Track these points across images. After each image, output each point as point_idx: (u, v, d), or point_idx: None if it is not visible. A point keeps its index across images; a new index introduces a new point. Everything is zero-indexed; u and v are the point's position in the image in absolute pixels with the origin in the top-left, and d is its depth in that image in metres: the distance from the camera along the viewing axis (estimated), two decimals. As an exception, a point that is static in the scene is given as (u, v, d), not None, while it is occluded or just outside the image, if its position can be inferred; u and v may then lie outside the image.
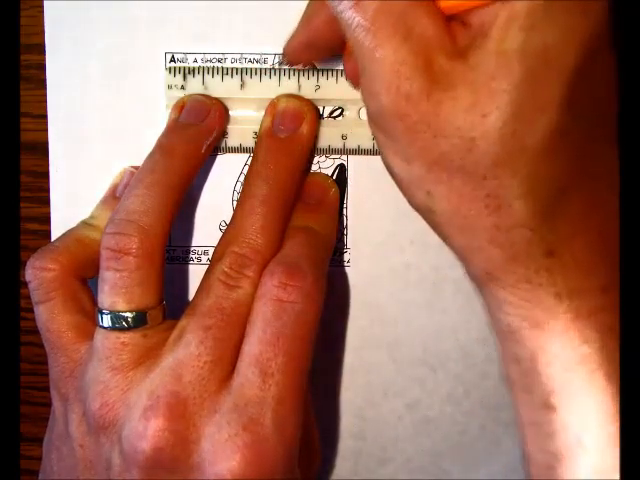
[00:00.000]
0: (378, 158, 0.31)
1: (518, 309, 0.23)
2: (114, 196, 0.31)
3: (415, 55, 0.21)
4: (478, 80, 0.21)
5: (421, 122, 0.22)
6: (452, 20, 0.22)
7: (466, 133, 0.21)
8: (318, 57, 0.27)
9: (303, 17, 0.26)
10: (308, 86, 0.30)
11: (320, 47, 0.26)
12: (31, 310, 0.29)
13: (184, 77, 0.31)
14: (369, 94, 0.23)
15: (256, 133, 0.30)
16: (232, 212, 0.31)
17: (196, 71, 0.31)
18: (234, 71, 0.30)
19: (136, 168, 0.31)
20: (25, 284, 0.29)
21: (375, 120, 0.23)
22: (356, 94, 0.30)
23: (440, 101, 0.21)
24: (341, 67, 0.30)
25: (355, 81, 0.27)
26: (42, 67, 0.31)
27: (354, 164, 0.32)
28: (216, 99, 0.30)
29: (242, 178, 0.32)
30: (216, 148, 0.31)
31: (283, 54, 0.28)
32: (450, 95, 0.21)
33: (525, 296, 0.22)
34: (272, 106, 0.30)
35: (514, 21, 0.21)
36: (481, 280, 0.23)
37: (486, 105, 0.21)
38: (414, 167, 0.23)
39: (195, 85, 0.31)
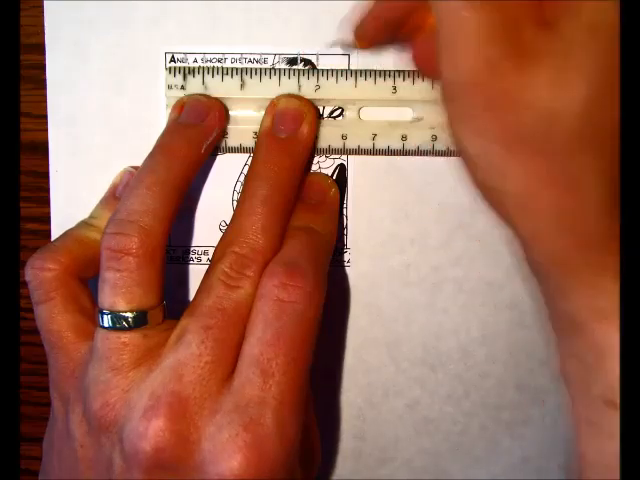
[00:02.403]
0: (378, 158, 0.31)
1: (586, 299, 0.22)
2: (114, 196, 0.31)
3: (503, 22, 0.21)
4: (567, 52, 0.21)
5: (503, 93, 0.21)
6: None
7: (549, 105, 0.21)
8: (390, 38, 0.26)
9: None
10: (308, 86, 0.30)
11: (394, 26, 0.25)
12: (31, 310, 0.29)
13: (184, 77, 0.31)
14: (448, 64, 0.22)
15: (256, 133, 0.30)
16: (232, 212, 0.31)
17: (196, 71, 0.31)
18: (234, 71, 0.30)
19: (136, 168, 0.31)
20: (25, 284, 0.29)
21: (451, 93, 0.22)
22: (356, 94, 0.30)
23: (524, 71, 0.21)
24: (341, 67, 0.30)
25: (424, 65, 0.26)
26: (42, 67, 0.31)
27: (354, 164, 0.32)
28: (216, 99, 0.30)
29: (242, 178, 0.32)
30: (216, 148, 0.31)
31: (354, 35, 0.27)
32: (535, 65, 0.21)
33: (594, 285, 0.22)
34: (272, 106, 0.30)
35: None
36: (546, 267, 0.23)
37: (573, 78, 0.20)
38: (490, 144, 0.22)
39: (195, 85, 0.31)
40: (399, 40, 0.27)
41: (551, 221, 0.22)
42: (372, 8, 0.26)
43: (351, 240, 0.32)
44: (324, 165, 0.32)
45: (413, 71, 0.30)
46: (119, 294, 0.26)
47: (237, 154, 0.31)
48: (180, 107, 0.30)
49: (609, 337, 0.22)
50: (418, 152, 0.30)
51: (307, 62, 0.31)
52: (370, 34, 0.27)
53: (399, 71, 0.30)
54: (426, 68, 0.26)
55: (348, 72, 0.30)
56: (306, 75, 0.30)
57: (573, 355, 0.23)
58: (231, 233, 0.28)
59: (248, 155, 0.31)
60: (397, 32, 0.26)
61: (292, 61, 0.31)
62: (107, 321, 0.26)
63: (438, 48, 0.22)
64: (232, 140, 0.31)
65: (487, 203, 0.24)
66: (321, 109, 0.31)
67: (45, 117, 0.32)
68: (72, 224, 0.31)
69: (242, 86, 0.30)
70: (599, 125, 0.21)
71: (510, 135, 0.21)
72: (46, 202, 0.32)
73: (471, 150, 0.23)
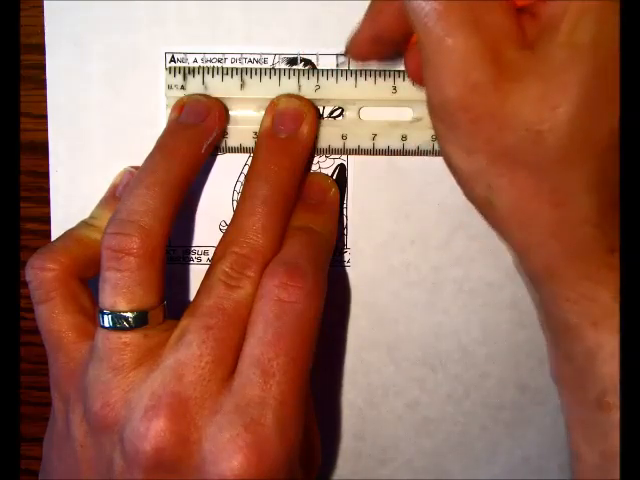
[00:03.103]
0: (378, 158, 0.31)
1: (577, 306, 0.22)
2: (114, 196, 0.31)
3: (485, 45, 0.21)
4: (548, 72, 0.21)
5: (487, 114, 0.21)
6: (521, 12, 0.22)
7: (534, 125, 0.21)
8: (382, 53, 0.27)
9: (369, 12, 0.26)
10: (308, 86, 0.30)
11: (386, 42, 0.26)
12: (31, 310, 0.29)
13: (184, 77, 0.31)
14: (433, 85, 0.22)
15: (256, 133, 0.30)
16: (232, 212, 0.31)
17: (196, 71, 0.31)
18: (234, 71, 0.30)
19: (136, 168, 0.31)
20: (25, 284, 0.29)
21: (437, 112, 0.23)
22: (356, 94, 0.30)
23: (508, 92, 0.21)
24: (341, 67, 0.30)
25: (418, 77, 0.27)
26: (42, 67, 0.31)
27: (354, 164, 0.32)
28: (216, 99, 0.30)
29: (242, 178, 0.32)
30: (216, 148, 0.31)
31: (346, 50, 0.27)
32: (519, 86, 0.21)
33: (585, 293, 0.22)
34: (272, 106, 0.30)
35: (587, 14, 0.21)
36: (539, 276, 0.23)
37: (556, 97, 0.21)
38: (476, 160, 0.22)
39: (195, 85, 0.31)
40: (391, 53, 0.27)
41: (539, 232, 0.22)
42: (360, 25, 0.26)
43: (351, 240, 0.32)
44: (324, 165, 0.32)
45: (413, 71, 0.30)
46: (120, 294, 0.26)
47: (237, 154, 0.31)
48: (180, 107, 0.30)
49: (600, 341, 0.22)
50: (418, 152, 0.30)
51: (307, 62, 0.31)
52: (362, 51, 0.27)
53: (399, 71, 0.30)
54: (419, 80, 0.27)
55: (348, 72, 0.30)
56: (306, 75, 0.30)
57: (566, 358, 0.23)
58: (231, 233, 0.28)
59: (248, 155, 0.31)
60: (388, 47, 0.26)
61: (292, 61, 0.31)
62: (108, 321, 0.26)
63: (423, 70, 0.23)
64: (232, 140, 0.31)
65: (481, 214, 0.24)
66: (321, 109, 0.31)
67: (45, 117, 0.32)
68: (72, 224, 0.31)
69: (242, 86, 0.30)
70: (586, 140, 0.21)
71: (495, 152, 0.22)
72: (46, 202, 0.32)
73: (459, 165, 0.23)
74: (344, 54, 0.30)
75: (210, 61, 0.31)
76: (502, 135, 0.22)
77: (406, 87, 0.30)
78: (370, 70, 0.30)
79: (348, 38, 0.27)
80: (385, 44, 0.26)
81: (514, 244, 0.24)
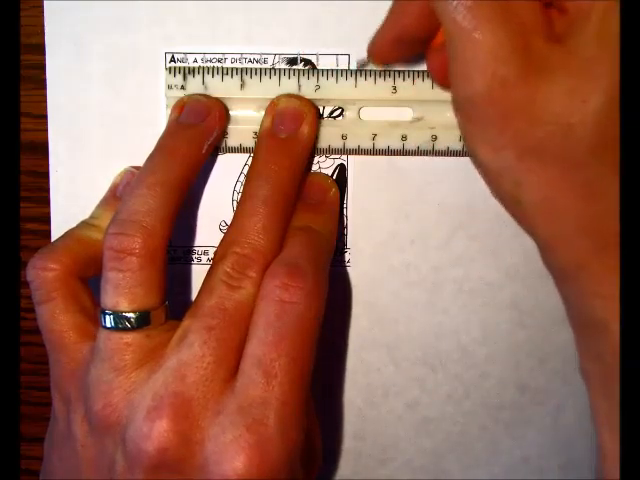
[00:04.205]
0: (378, 158, 0.31)
1: (606, 301, 0.22)
2: (115, 196, 0.31)
3: (514, 38, 0.21)
4: (577, 65, 0.21)
5: (515, 108, 0.21)
6: (549, 7, 0.22)
7: (564, 119, 0.21)
8: (404, 54, 0.27)
9: (391, 12, 0.26)
10: (308, 86, 0.30)
11: (408, 43, 0.26)
12: (31, 310, 0.29)
13: (184, 77, 0.31)
14: (461, 79, 0.22)
15: (256, 133, 0.30)
16: (232, 212, 0.31)
17: (196, 71, 0.31)
18: (234, 71, 0.30)
19: (137, 168, 0.31)
20: (25, 284, 0.29)
21: (464, 107, 0.23)
22: (356, 94, 0.30)
23: (537, 86, 0.21)
24: (341, 67, 0.30)
25: (440, 77, 0.27)
26: (42, 67, 0.31)
27: (354, 164, 0.32)
28: (216, 99, 0.30)
29: (242, 178, 0.32)
30: (216, 148, 0.31)
31: (368, 52, 0.27)
32: (548, 80, 0.21)
33: (614, 288, 0.22)
34: (272, 106, 0.30)
35: (615, 6, 0.21)
36: (567, 271, 0.23)
37: (586, 90, 0.21)
38: (503, 156, 0.22)
39: (195, 85, 0.31)
40: (413, 54, 0.27)
41: (569, 227, 0.22)
42: (382, 26, 0.26)
43: (351, 240, 0.32)
44: (324, 165, 0.32)
45: (413, 71, 0.30)
46: (122, 294, 0.26)
47: (237, 154, 0.31)
48: (180, 107, 0.30)
49: None
50: (418, 152, 0.30)
51: (307, 62, 0.31)
52: (383, 51, 0.27)
53: (399, 71, 0.30)
54: (443, 79, 0.27)
55: (348, 72, 0.30)
56: (306, 75, 0.30)
57: (593, 355, 0.23)
58: (232, 233, 0.28)
59: (248, 155, 0.31)
60: (411, 48, 0.26)
61: (292, 61, 0.31)
62: (110, 321, 0.26)
63: (450, 65, 0.22)
64: (232, 140, 0.31)
65: (507, 211, 0.24)
66: (321, 109, 0.31)
67: (45, 117, 0.32)
68: (72, 224, 0.31)
69: (242, 86, 0.30)
70: (616, 134, 0.21)
71: (524, 147, 0.22)
72: (46, 202, 0.32)
73: (486, 162, 0.23)
74: (365, 58, 0.30)
75: (210, 61, 0.31)
76: (531, 129, 0.21)
77: (406, 87, 0.30)
78: (370, 70, 0.30)
79: (369, 40, 0.27)
80: (408, 45, 0.26)
81: (542, 239, 0.23)
